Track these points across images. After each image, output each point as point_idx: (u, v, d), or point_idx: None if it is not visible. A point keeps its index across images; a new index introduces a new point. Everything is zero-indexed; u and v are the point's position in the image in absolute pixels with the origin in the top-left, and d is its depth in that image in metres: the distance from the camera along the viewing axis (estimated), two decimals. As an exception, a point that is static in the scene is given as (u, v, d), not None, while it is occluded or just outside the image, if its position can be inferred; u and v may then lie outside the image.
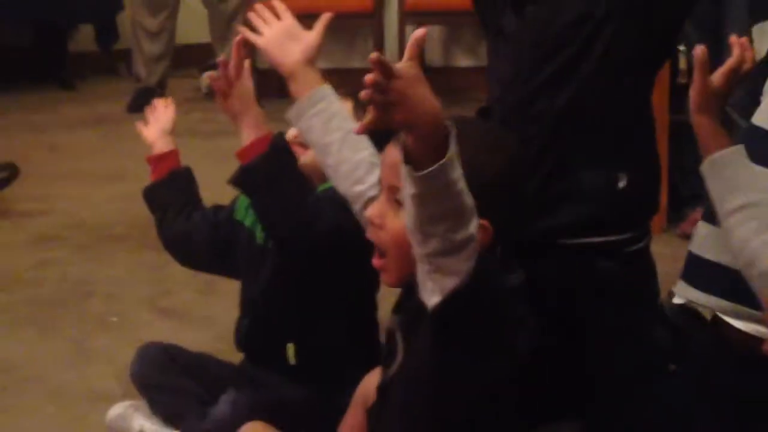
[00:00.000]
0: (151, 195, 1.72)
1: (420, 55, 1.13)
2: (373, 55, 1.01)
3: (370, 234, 1.26)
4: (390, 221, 1.22)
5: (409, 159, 1.06)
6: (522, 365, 1.23)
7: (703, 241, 1.56)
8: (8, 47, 4.46)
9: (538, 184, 1.40)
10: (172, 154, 1.69)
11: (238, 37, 1.56)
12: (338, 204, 1.44)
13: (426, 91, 1.07)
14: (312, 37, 1.47)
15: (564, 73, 1.44)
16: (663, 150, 2.04)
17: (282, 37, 1.47)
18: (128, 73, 4.32)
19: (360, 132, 1.23)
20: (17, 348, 2.09)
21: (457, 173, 1.09)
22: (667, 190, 2.28)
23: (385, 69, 1.00)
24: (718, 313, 1.52)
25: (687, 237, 2.06)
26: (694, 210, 2.33)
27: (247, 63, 1.58)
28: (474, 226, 1.11)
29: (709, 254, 1.51)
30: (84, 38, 4.41)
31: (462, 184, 1.11)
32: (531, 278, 1.33)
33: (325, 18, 1.49)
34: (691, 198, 2.47)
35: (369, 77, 1.02)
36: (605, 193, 1.45)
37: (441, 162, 1.06)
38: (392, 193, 1.20)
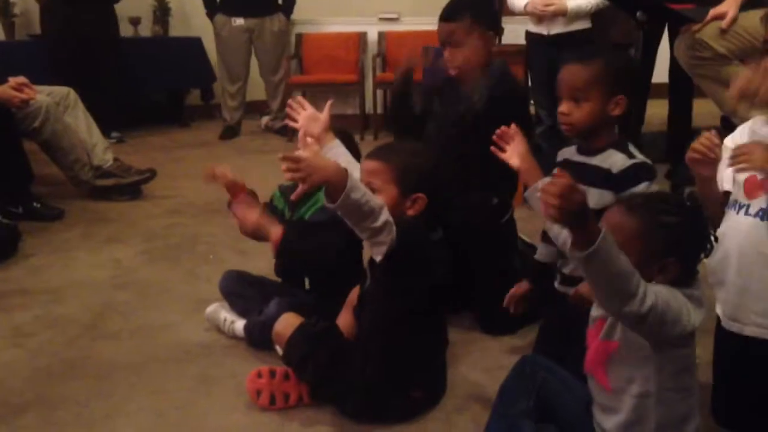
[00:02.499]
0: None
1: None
2: (279, 155, 1.41)
3: None
4: None
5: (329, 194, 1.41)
6: (438, 281, 1.66)
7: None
8: (152, 103, 5.83)
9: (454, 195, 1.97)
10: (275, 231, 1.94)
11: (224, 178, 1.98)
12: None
13: (322, 160, 1.42)
14: (324, 115, 1.94)
15: (466, 136, 2.08)
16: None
17: (308, 119, 1.96)
18: (220, 117, 5.53)
19: (296, 199, 1.69)
20: (155, 273, 2.72)
21: (360, 193, 1.44)
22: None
23: (292, 158, 1.36)
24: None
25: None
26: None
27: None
28: (382, 219, 1.48)
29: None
30: (194, 97, 5.72)
31: (369, 197, 1.45)
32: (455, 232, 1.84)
33: (329, 104, 1.95)
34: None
35: (284, 167, 1.38)
36: (485, 206, 2.12)
37: (345, 191, 1.41)
38: (369, 186, 1.61)
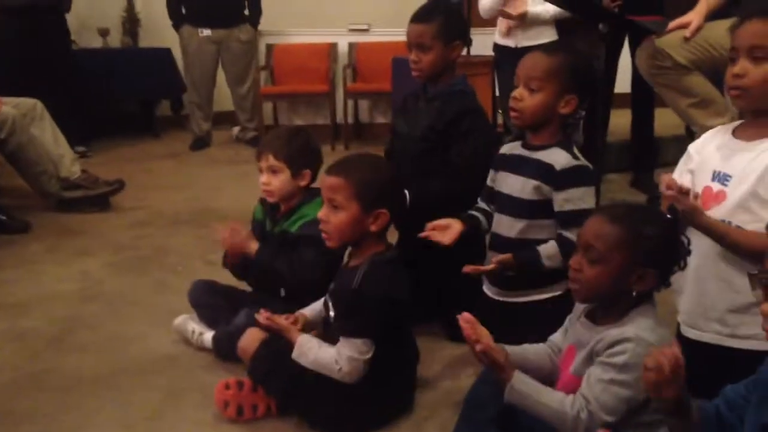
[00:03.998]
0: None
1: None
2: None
3: (323, 226, 1.69)
4: (332, 219, 1.67)
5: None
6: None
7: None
8: (122, 114, 5.79)
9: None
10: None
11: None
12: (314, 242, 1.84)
13: None
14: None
15: (428, 154, 2.15)
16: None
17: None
18: (190, 128, 5.47)
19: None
20: (123, 285, 2.70)
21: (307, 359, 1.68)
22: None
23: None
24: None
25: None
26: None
27: None
28: (341, 370, 1.62)
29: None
30: (164, 107, 5.70)
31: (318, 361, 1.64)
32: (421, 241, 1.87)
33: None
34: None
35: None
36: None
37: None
38: (331, 202, 1.66)
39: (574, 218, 1.73)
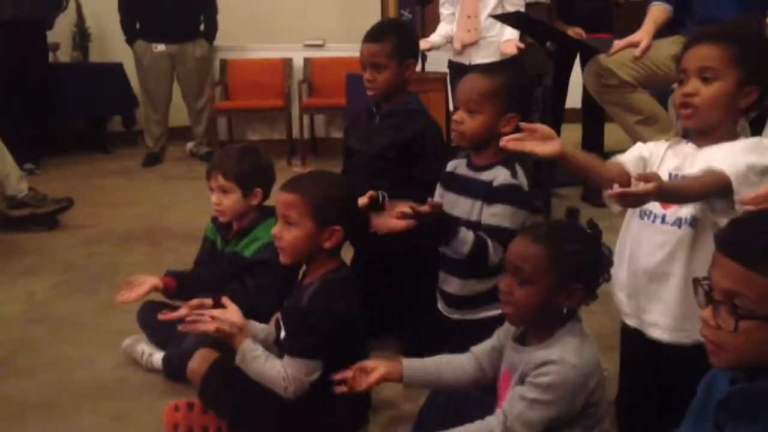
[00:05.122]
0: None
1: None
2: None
3: (277, 242, 1.69)
4: (286, 235, 1.66)
5: None
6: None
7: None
8: (73, 131, 5.71)
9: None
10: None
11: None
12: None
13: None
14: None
15: (384, 171, 2.16)
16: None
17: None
18: (143, 144, 5.43)
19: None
20: (71, 306, 2.65)
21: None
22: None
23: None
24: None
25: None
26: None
27: None
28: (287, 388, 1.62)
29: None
30: (116, 123, 5.60)
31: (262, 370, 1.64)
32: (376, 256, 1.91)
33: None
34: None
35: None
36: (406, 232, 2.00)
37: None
38: (285, 219, 1.66)
39: (494, 232, 1.77)
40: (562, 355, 1.33)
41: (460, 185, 1.92)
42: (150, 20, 5.15)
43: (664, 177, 1.50)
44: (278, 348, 1.80)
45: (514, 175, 1.82)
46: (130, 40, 5.20)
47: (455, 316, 1.96)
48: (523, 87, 1.90)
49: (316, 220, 1.65)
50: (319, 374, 1.64)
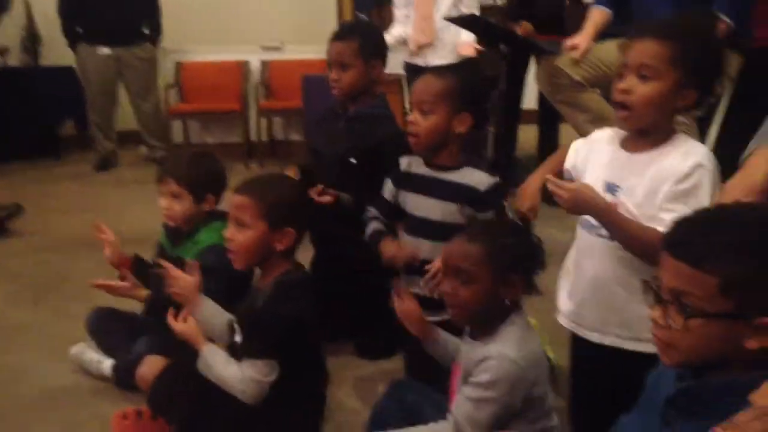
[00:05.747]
0: None
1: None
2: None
3: (229, 245, 1.66)
4: (238, 237, 1.65)
5: None
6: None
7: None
8: (22, 135, 5.45)
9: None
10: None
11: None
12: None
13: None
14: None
15: (350, 173, 2.14)
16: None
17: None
18: (96, 148, 5.30)
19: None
20: (19, 315, 2.60)
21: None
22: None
23: None
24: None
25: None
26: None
27: None
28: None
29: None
30: (68, 127, 5.51)
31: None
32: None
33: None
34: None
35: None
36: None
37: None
38: (238, 221, 1.64)
39: None
40: (501, 350, 1.35)
41: (421, 185, 1.90)
42: (92, 24, 5.05)
43: (600, 187, 1.50)
44: (231, 351, 1.76)
45: (490, 173, 1.83)
46: (72, 45, 5.11)
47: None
48: (476, 87, 1.90)
49: (269, 223, 1.64)
50: (276, 376, 1.62)
